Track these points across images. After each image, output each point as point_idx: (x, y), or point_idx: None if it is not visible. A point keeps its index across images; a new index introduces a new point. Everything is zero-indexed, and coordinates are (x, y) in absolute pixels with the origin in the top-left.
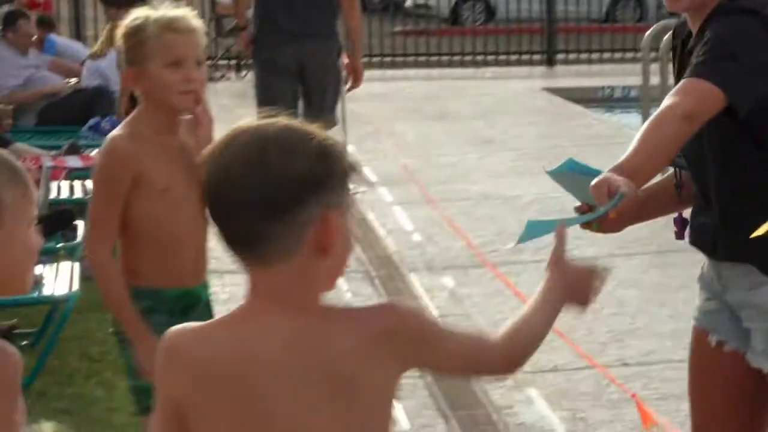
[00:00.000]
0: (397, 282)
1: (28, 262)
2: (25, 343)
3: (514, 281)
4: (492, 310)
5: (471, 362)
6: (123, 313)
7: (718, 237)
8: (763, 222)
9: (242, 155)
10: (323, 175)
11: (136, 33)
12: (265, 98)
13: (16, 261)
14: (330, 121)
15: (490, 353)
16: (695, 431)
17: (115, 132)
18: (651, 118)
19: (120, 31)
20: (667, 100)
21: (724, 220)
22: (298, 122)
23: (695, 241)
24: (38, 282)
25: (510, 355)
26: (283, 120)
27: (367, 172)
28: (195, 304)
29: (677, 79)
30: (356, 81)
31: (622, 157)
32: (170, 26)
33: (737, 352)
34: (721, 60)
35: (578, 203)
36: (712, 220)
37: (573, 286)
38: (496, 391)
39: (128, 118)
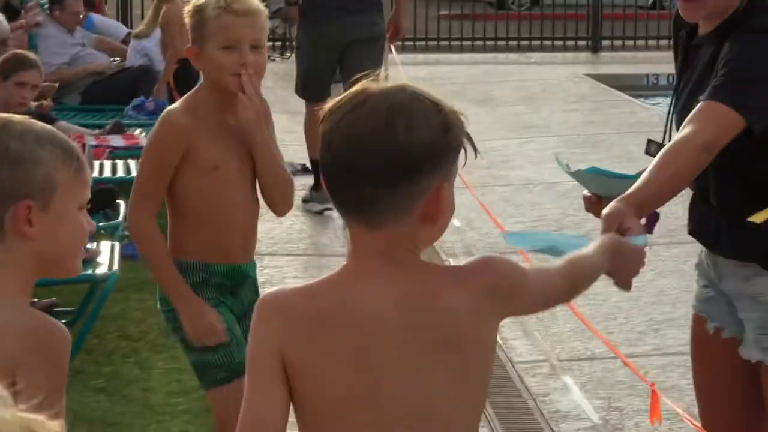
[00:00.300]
0: None
1: (77, 245)
2: (64, 321)
3: None
4: None
5: (547, 297)
6: (166, 276)
7: (719, 233)
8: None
9: (370, 120)
10: (444, 148)
11: (197, 12)
12: (306, 72)
13: (65, 243)
14: None
15: (558, 282)
16: (702, 416)
17: (172, 106)
18: (669, 145)
19: (186, 9)
20: (687, 128)
21: (725, 218)
22: (425, 91)
23: (694, 233)
24: (92, 258)
25: (571, 279)
26: (411, 88)
27: None
28: (243, 282)
29: (680, 72)
30: (396, 34)
31: (638, 183)
32: (229, 8)
33: (735, 338)
34: (740, 83)
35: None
36: (712, 215)
37: (622, 258)
38: (532, 378)
39: (187, 95)
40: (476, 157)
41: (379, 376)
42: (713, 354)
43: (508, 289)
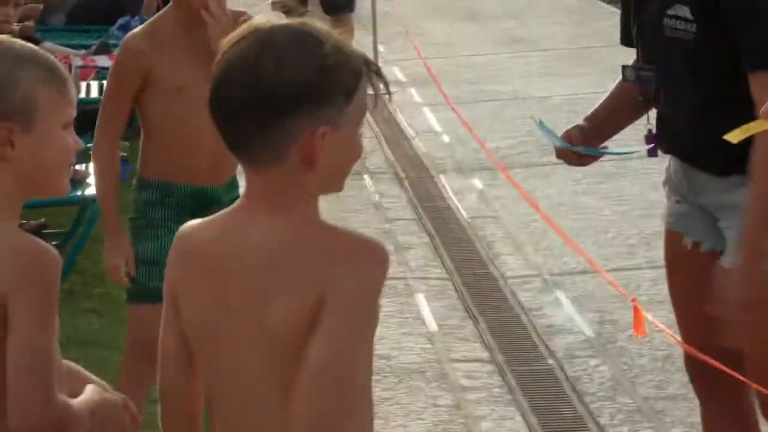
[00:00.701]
0: (426, 183)
1: (63, 164)
2: (54, 243)
3: (543, 183)
4: (521, 212)
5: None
6: (103, 205)
7: (696, 151)
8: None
9: (242, 57)
10: (319, 89)
11: None
12: None
13: (50, 163)
14: (344, 20)
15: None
16: (682, 332)
17: (134, 30)
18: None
19: None
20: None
21: (702, 134)
22: (315, 27)
23: (671, 149)
24: (82, 179)
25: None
26: (297, 23)
27: (396, 72)
28: (210, 204)
29: None
30: None
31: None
32: None
33: (714, 251)
34: None
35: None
36: (686, 131)
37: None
38: (524, 293)
39: (153, 16)
40: (389, 99)
41: (234, 313)
42: (690, 269)
43: (343, 290)
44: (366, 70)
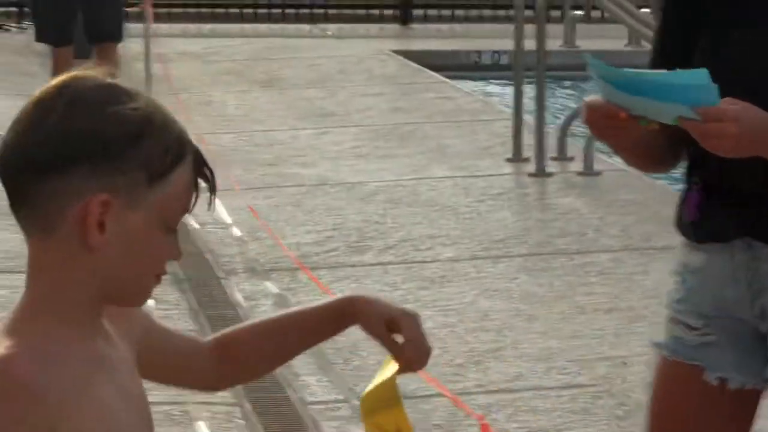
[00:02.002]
0: (211, 287)
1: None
2: None
3: (353, 287)
4: None
5: None
6: None
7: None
8: None
9: (35, 102)
10: (106, 144)
11: None
12: (40, 18)
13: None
14: (109, 50)
15: None
16: None
17: None
18: None
19: None
20: None
21: None
22: (133, 89)
23: (726, 227)
24: None
25: None
26: (98, 79)
27: None
28: None
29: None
30: None
31: None
32: None
33: (743, 387)
34: None
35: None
36: (754, 207)
37: None
38: (330, 422)
39: None
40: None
41: None
42: (704, 407)
43: None
44: (190, 156)
